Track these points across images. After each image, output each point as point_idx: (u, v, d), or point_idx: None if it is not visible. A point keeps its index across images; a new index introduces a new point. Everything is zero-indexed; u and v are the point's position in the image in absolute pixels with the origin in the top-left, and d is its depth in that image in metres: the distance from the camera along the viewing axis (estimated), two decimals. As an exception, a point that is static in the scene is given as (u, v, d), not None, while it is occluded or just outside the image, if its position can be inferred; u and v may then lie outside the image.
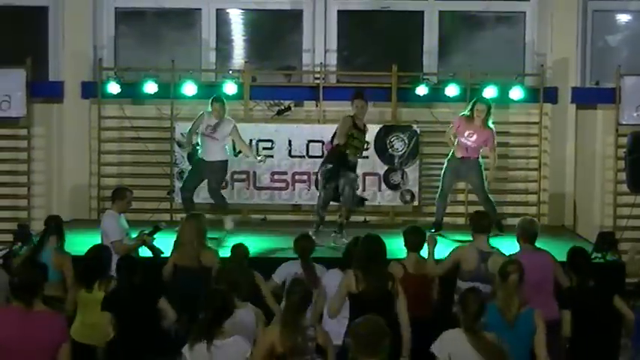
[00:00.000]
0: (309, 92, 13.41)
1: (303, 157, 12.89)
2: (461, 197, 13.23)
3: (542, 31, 13.58)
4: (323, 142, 12.45)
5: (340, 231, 10.92)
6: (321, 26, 13.65)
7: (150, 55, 13.61)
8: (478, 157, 11.62)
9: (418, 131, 13.00)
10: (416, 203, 13.13)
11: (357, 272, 7.43)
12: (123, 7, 13.77)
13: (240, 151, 12.07)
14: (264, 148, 12.83)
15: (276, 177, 12.95)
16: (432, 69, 13.63)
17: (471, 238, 8.56)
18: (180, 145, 12.61)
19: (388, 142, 12.90)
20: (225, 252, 9.02)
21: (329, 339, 6.68)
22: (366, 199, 12.29)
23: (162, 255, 9.28)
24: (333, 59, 13.72)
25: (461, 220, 13.07)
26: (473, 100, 11.69)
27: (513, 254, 8.30)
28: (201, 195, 11.94)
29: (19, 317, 5.95)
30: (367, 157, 12.65)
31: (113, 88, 13.04)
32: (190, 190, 11.68)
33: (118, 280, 7.99)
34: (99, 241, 9.52)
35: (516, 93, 13.02)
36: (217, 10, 13.77)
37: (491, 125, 11.53)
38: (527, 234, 8.36)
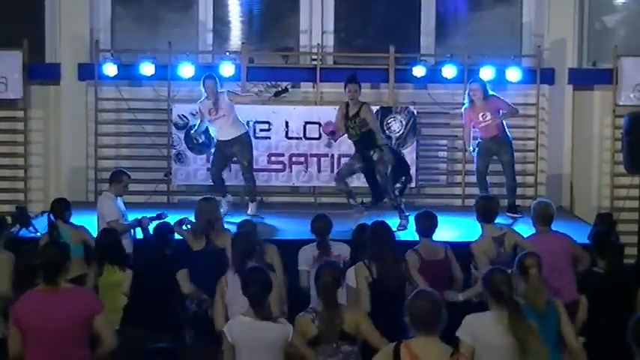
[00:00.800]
0: (307, 74, 13.39)
1: (300, 138, 12.88)
2: (458, 179, 13.24)
3: (539, 11, 13.54)
4: (320, 124, 12.42)
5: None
6: (318, 7, 13.60)
7: (147, 37, 13.57)
8: (507, 134, 11.55)
9: (415, 112, 12.98)
10: (413, 185, 13.12)
11: (370, 262, 7.49)
12: (120, -11, 13.76)
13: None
14: (261, 130, 12.85)
15: (273, 159, 12.94)
16: (429, 50, 13.61)
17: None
18: (177, 126, 12.63)
19: (385, 123, 12.88)
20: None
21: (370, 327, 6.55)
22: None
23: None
24: (330, 40, 13.68)
25: (458, 202, 13.10)
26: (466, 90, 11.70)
27: (529, 236, 8.33)
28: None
29: (47, 296, 5.98)
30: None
31: (110, 69, 13.00)
32: (217, 176, 11.58)
33: (151, 248, 8.24)
34: (95, 223, 9.57)
35: (513, 74, 13.00)
36: (214, -9, 13.76)
37: (491, 93, 11.53)
38: (543, 217, 8.35)
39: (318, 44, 13.44)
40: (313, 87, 13.33)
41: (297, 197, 13.32)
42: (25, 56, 13.04)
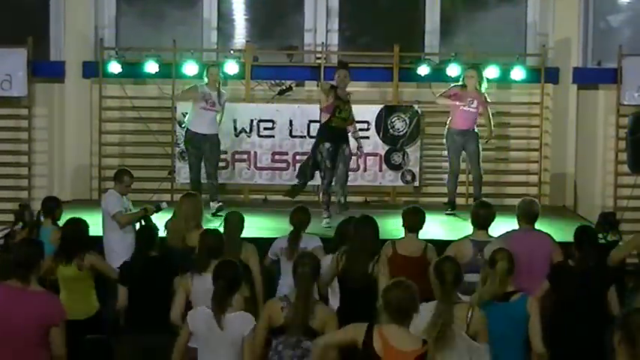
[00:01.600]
0: (311, 72, 13.39)
1: (304, 137, 12.86)
2: (462, 178, 13.22)
3: (544, 11, 13.55)
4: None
5: (346, 208, 10.87)
6: (322, 6, 13.62)
7: (151, 35, 13.60)
8: (475, 129, 11.73)
9: (419, 111, 12.99)
10: (417, 184, 13.13)
11: (341, 255, 7.58)
12: (124, -13, 13.77)
13: (241, 131, 12.04)
14: (265, 129, 12.85)
15: (277, 157, 12.95)
16: (433, 49, 13.62)
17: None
18: (181, 124, 12.63)
19: (389, 122, 12.89)
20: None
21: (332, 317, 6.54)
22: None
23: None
24: (334, 39, 13.70)
25: (461, 201, 13.08)
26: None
27: (509, 232, 8.22)
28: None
29: (14, 293, 6.01)
30: (368, 137, 12.67)
31: (114, 67, 13.02)
32: (199, 180, 11.67)
33: (135, 251, 8.14)
34: (100, 221, 9.56)
35: (518, 73, 13.00)
36: (219, -11, 13.77)
37: (483, 90, 11.67)
38: (526, 214, 8.21)
39: (323, 43, 13.45)
40: (317, 85, 13.31)
41: (301, 196, 13.27)
42: (29, 54, 13.05)
